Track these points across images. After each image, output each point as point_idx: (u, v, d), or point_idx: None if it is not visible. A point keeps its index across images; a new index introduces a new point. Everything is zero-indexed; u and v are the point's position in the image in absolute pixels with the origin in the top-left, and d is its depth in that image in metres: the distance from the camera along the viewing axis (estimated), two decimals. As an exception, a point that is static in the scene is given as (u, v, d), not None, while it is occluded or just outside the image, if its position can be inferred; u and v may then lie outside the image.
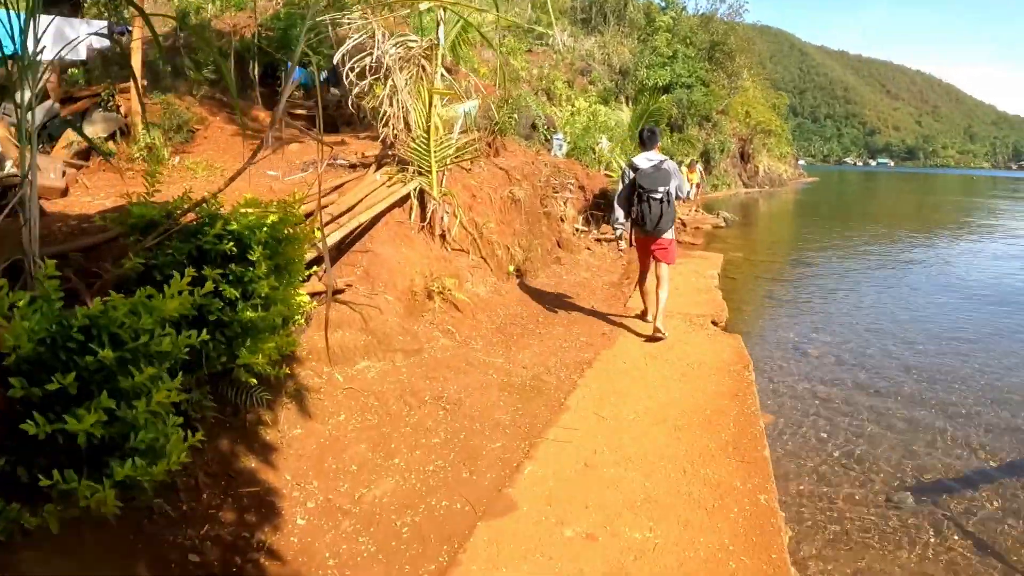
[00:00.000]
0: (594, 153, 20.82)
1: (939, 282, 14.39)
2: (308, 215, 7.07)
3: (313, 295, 6.48)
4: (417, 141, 8.76)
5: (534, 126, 19.95)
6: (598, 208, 17.39)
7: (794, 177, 67.64)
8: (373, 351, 6.40)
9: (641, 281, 8.74)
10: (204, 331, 3.65)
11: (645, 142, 8.07)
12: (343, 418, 5.41)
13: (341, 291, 6.89)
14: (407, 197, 8.68)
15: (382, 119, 8.84)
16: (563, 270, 12.14)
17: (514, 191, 11.20)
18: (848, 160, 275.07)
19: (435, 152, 8.75)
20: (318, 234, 5.36)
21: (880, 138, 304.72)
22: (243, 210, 4.46)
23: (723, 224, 23.28)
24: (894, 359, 8.86)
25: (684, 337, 8.31)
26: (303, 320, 5.90)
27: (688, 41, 38.72)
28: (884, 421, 6.80)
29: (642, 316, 8.97)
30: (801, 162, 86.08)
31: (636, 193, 7.79)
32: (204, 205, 4.43)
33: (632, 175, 7.88)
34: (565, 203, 16.61)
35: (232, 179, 4.27)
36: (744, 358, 7.50)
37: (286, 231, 4.65)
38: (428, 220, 8.76)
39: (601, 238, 16.18)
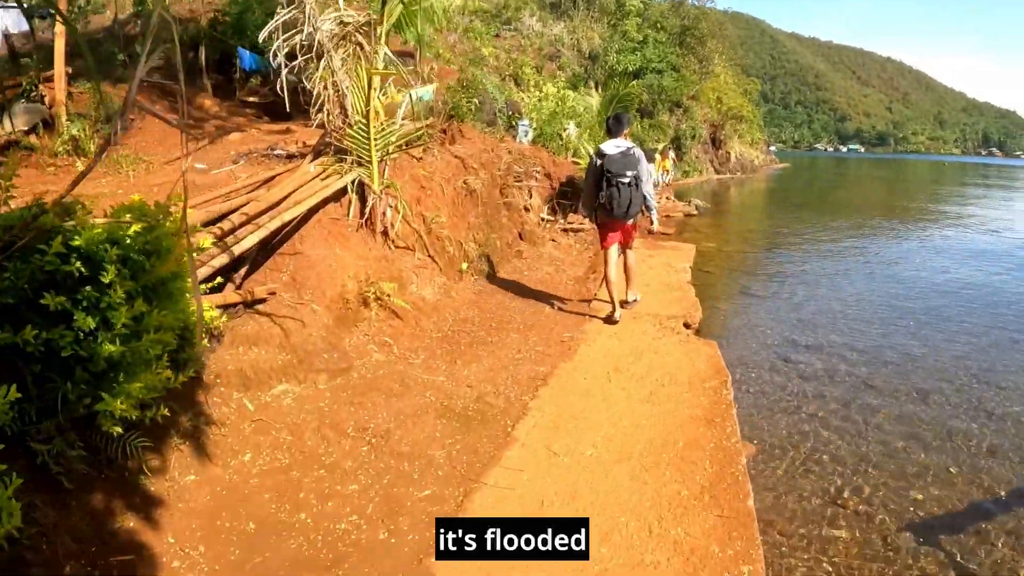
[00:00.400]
0: (561, 139, 20.03)
1: (922, 276, 13.61)
2: (224, 216, 6.22)
3: (227, 307, 5.63)
4: (355, 128, 7.85)
5: (498, 112, 19.08)
6: (565, 196, 16.76)
7: (766, 163, 66.52)
8: (293, 372, 5.55)
9: (607, 273, 8.36)
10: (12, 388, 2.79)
11: (611, 129, 8.17)
12: (248, 458, 4.58)
13: (261, 301, 6.03)
14: (344, 191, 7.79)
15: (315, 103, 7.94)
16: (524, 265, 11.32)
17: (469, 181, 10.34)
18: (819, 146, 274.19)
19: (375, 140, 7.85)
20: (206, 242, 4.44)
21: (851, 124, 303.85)
22: (96, 221, 3.57)
23: (695, 212, 22.52)
24: (889, 365, 8.04)
25: (654, 344, 7.47)
26: (206, 342, 5.04)
27: (659, 26, 37.91)
28: (884, 445, 5.94)
29: (608, 318, 8.37)
30: (772, 148, 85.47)
31: (604, 178, 7.78)
32: (48, 214, 3.50)
33: (600, 162, 7.86)
34: (531, 192, 15.86)
35: (79, 179, 3.33)
36: (721, 371, 6.66)
37: (160, 243, 3.75)
38: (368, 216, 7.87)
39: (568, 228, 15.55)
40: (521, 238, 12.67)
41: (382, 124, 8.02)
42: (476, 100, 14.70)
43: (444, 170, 10.02)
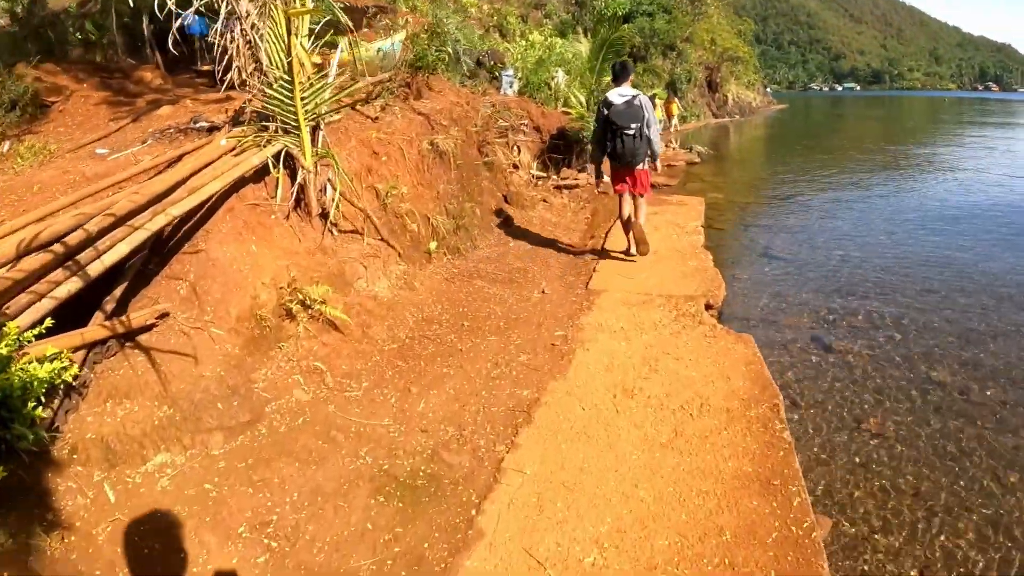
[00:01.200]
0: (550, 89, 18.34)
1: (955, 228, 11.75)
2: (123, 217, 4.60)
3: (93, 346, 4.06)
4: (276, 86, 6.13)
5: (479, 62, 17.36)
6: (556, 150, 15.42)
7: (763, 105, 64.74)
8: (176, 434, 3.96)
9: (621, 215, 8.74)
10: None
11: (617, 76, 8.32)
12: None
13: (145, 329, 4.42)
14: (267, 168, 6.12)
15: (220, 58, 6.25)
16: (510, 234, 9.69)
17: (438, 141, 8.65)
18: (814, 86, 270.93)
19: (302, 100, 6.12)
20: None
21: (845, 63, 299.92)
22: None
23: (697, 159, 20.90)
24: (955, 347, 6.50)
25: (672, 343, 5.78)
26: (57, 401, 3.50)
27: None
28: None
29: (625, 252, 8.82)
30: (768, 89, 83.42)
31: (610, 129, 7.93)
32: None
33: (606, 112, 7.98)
34: (518, 148, 14.30)
35: None
36: (768, 387, 4.93)
37: None
38: (302, 197, 6.20)
39: (561, 184, 14.13)
40: (507, 202, 11.07)
41: (310, 79, 6.28)
42: (449, 50, 12.94)
43: (406, 130, 8.33)
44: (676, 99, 31.41)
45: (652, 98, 27.21)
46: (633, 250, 8.59)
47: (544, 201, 12.35)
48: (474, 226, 8.92)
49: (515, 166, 14.07)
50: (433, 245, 7.65)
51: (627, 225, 8.59)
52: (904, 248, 10.25)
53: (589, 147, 13.91)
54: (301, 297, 5.24)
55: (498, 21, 25.10)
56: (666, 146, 23.57)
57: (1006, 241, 10.65)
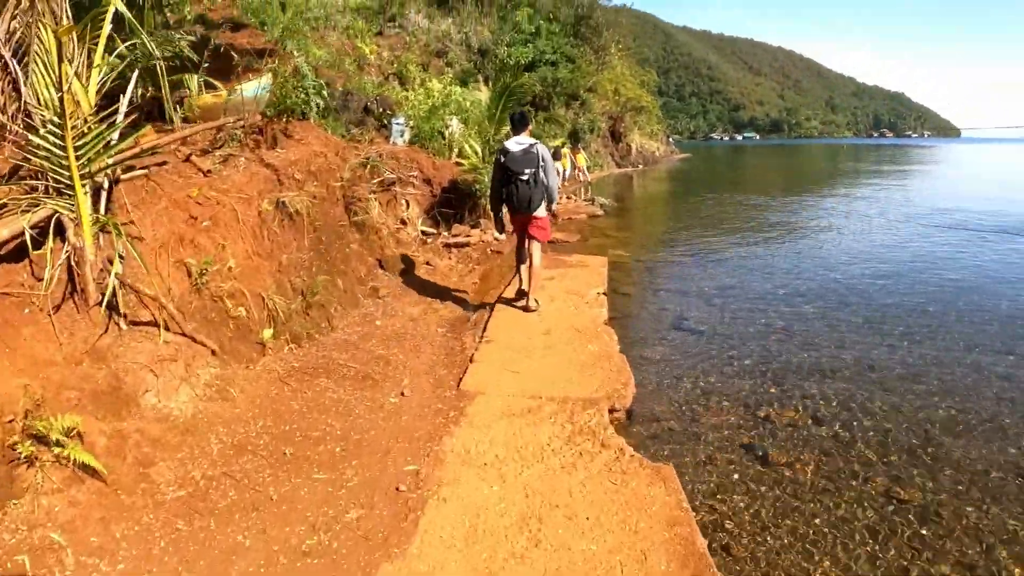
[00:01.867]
0: (443, 138, 17.09)
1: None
2: None
3: None
4: (44, 132, 4.57)
5: (367, 109, 16.02)
6: (448, 204, 14.35)
7: (667, 154, 64.77)
8: None
9: (518, 259, 9.08)
10: None
11: (516, 125, 8.57)
12: None
13: None
14: (34, 240, 4.52)
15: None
16: (380, 308, 8.31)
17: (287, 199, 7.18)
18: (715, 135, 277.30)
19: (77, 151, 4.57)
20: None
21: (745, 113, 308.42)
22: None
23: (600, 212, 19.96)
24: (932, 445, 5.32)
25: (563, 484, 4.28)
26: None
27: (552, 16, 35.73)
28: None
29: (517, 297, 9.00)
30: (671, 139, 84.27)
31: (506, 175, 8.11)
32: None
33: (502, 159, 8.14)
34: (407, 202, 13.37)
35: None
36: (702, 570, 3.45)
37: None
38: (76, 279, 4.63)
39: (451, 242, 12.98)
40: (382, 267, 9.68)
41: (87, 122, 4.73)
42: (323, 93, 11.54)
43: (245, 187, 6.81)
44: (581, 149, 31.12)
45: (558, 149, 26.99)
46: (525, 298, 8.65)
47: (428, 264, 11.02)
48: (332, 302, 7.46)
49: (403, 221, 12.99)
50: (268, 333, 6.10)
51: (520, 264, 9.01)
52: (834, 312, 9.16)
53: (483, 200, 13.53)
54: (42, 431, 3.68)
55: (398, 69, 24.17)
56: (569, 198, 22.59)
57: (957, 292, 9.94)
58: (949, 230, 16.36)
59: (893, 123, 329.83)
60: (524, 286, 8.82)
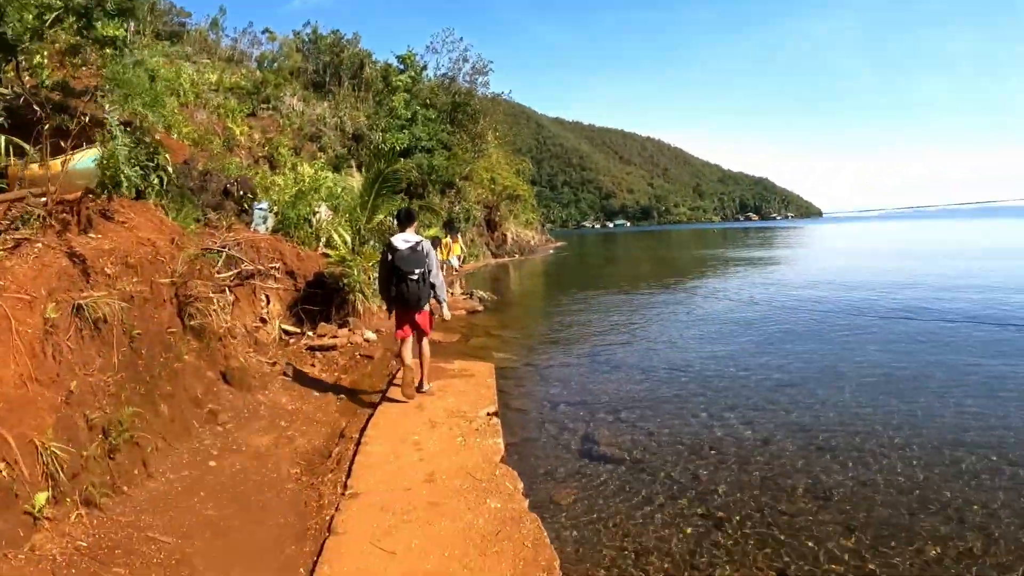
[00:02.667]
0: (311, 226, 15.63)
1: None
2: None
3: None
4: None
5: (227, 191, 14.49)
6: (313, 300, 13.12)
7: (543, 243, 65.24)
8: None
9: (401, 350, 8.79)
10: None
11: (403, 221, 8.62)
12: None
13: None
14: None
15: None
16: (220, 439, 6.64)
17: (87, 302, 5.49)
18: (586, 223, 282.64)
19: None
20: None
21: (616, 201, 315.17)
22: None
23: (479, 307, 18.80)
24: None
25: None
26: None
27: (428, 103, 35.71)
28: None
29: (403, 386, 8.68)
30: (546, 227, 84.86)
31: (396, 273, 8.18)
32: None
33: (391, 257, 8.24)
34: (267, 297, 12.27)
35: None
36: None
37: None
38: None
39: (316, 345, 11.78)
40: (227, 381, 7.99)
41: None
42: (168, 169, 9.99)
43: (31, 283, 5.10)
44: (459, 237, 29.93)
45: (437, 238, 25.81)
46: (416, 386, 8.73)
47: (285, 375, 9.43)
48: (151, 438, 5.70)
49: (262, 319, 11.83)
50: (42, 499, 4.26)
51: (404, 358, 8.79)
52: (765, 422, 8.01)
53: (352, 296, 13.35)
54: None
55: (269, 151, 23.11)
56: (451, 292, 21.43)
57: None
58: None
59: (758, 206, 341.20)
60: (412, 379, 8.72)
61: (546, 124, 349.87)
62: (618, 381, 10.32)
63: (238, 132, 22.45)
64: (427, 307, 8.69)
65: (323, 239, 15.40)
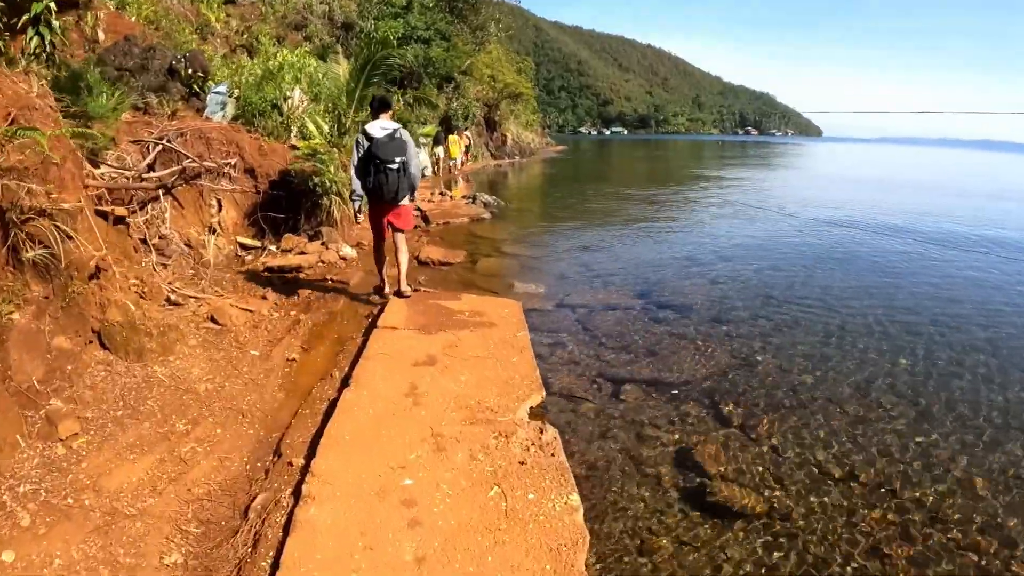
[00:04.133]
0: (281, 115, 12.68)
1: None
2: None
3: None
4: None
5: (172, 70, 11.59)
6: (277, 205, 10.66)
7: (543, 146, 61.93)
8: None
9: (376, 253, 8.14)
10: None
11: (376, 110, 7.75)
12: None
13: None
14: None
15: None
16: (45, 486, 3.69)
17: None
18: (583, 130, 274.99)
19: None
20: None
21: (613, 108, 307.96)
22: None
23: (485, 214, 15.65)
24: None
25: None
26: None
27: None
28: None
29: (378, 291, 8.25)
30: (546, 130, 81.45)
31: (373, 163, 7.36)
32: None
33: (368, 145, 7.41)
34: (219, 203, 10.09)
35: None
36: None
37: None
38: None
39: (277, 266, 9.37)
40: (104, 345, 5.13)
41: None
42: (50, 24, 7.17)
43: None
44: (466, 133, 29.62)
45: (440, 135, 26.79)
46: (387, 289, 8.13)
47: (212, 321, 6.60)
48: None
49: (212, 229, 9.77)
50: None
51: (381, 261, 8.11)
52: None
53: (327, 200, 10.83)
54: None
55: (248, 40, 20.43)
56: (442, 195, 18.47)
57: None
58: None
59: (758, 122, 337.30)
60: (389, 286, 8.18)
61: (545, 28, 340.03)
62: (706, 344, 7.09)
63: (213, 19, 19.60)
64: (405, 201, 7.84)
65: (296, 129, 12.51)
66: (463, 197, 18.29)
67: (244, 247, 9.97)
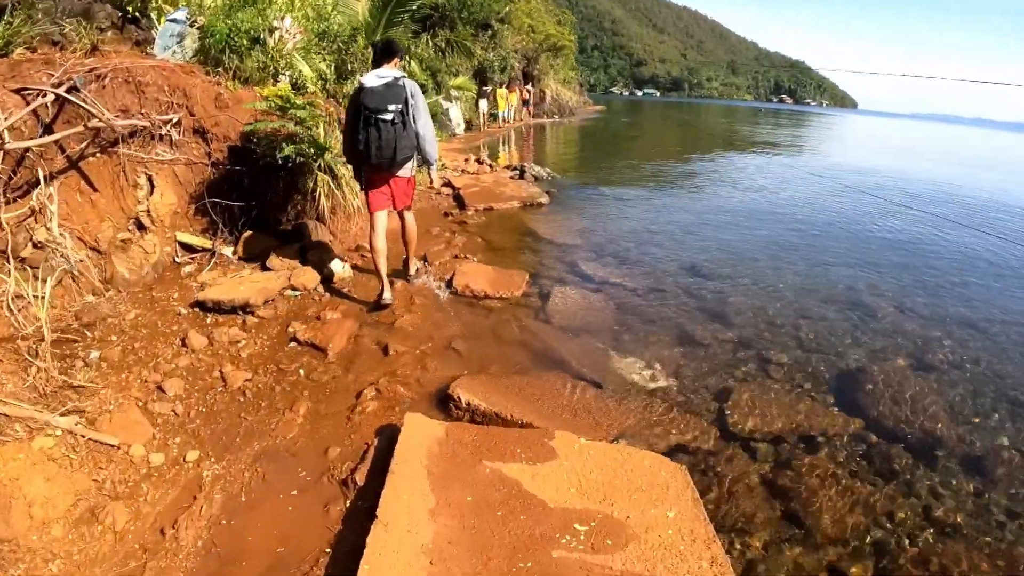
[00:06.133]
0: (264, 52, 8.94)
1: None
2: None
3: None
4: None
5: None
6: (237, 184, 6.98)
7: (581, 105, 57.74)
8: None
9: (373, 242, 5.93)
10: None
11: (378, 57, 5.84)
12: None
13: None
14: None
15: None
16: None
17: None
18: (614, 90, 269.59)
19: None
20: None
21: (646, 69, 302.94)
22: None
23: (543, 198, 11.31)
24: None
25: None
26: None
27: None
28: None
29: (377, 303, 5.91)
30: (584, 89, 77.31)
31: (362, 116, 5.56)
32: None
33: (359, 96, 5.62)
34: (150, 181, 6.49)
35: None
36: None
37: None
38: None
39: (214, 301, 5.63)
40: None
41: None
42: None
43: None
44: (528, 88, 29.35)
45: (484, 91, 25.86)
46: (388, 296, 5.94)
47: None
48: None
49: (139, 224, 6.29)
50: None
51: (379, 253, 5.89)
52: None
53: (311, 181, 7.17)
54: None
55: None
56: (480, 163, 14.52)
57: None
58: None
59: (793, 90, 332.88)
60: (390, 289, 5.98)
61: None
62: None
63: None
64: (408, 171, 5.87)
65: (280, 70, 8.78)
66: (507, 168, 14.33)
67: (186, 248, 6.43)
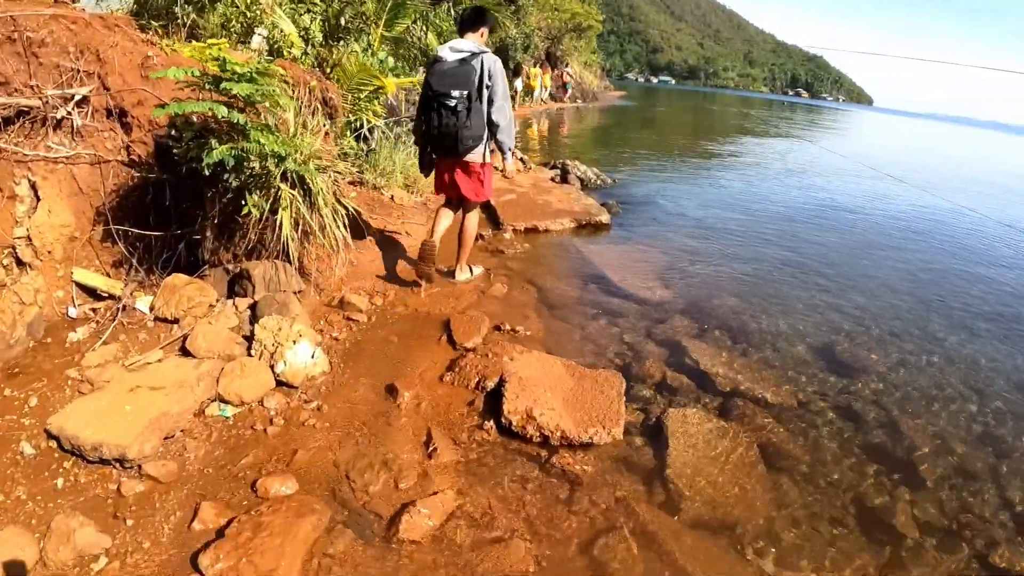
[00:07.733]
0: (236, 4, 6.56)
1: None
2: None
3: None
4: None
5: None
6: (157, 200, 4.51)
7: (603, 90, 55.21)
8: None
9: (436, 220, 5.56)
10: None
11: (464, 24, 5.22)
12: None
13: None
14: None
15: None
16: None
17: None
18: (629, 76, 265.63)
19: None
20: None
21: (663, 56, 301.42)
22: None
23: (603, 216, 8.42)
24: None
25: None
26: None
27: None
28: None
29: (423, 270, 5.39)
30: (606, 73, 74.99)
31: (427, 97, 5.02)
32: None
33: (429, 75, 5.08)
34: (34, 189, 4.00)
35: None
36: None
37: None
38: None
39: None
40: None
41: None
42: None
43: None
44: (567, 70, 27.84)
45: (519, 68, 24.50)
46: (429, 267, 5.38)
47: None
48: None
49: (16, 258, 3.94)
50: None
51: (438, 223, 5.51)
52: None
53: (248, 198, 4.27)
54: None
55: None
56: (523, 162, 11.64)
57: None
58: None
59: (810, 84, 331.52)
60: (431, 256, 5.34)
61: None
62: None
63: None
64: (477, 157, 5.10)
65: (261, 34, 6.38)
66: (545, 166, 11.54)
67: (86, 291, 4.25)
